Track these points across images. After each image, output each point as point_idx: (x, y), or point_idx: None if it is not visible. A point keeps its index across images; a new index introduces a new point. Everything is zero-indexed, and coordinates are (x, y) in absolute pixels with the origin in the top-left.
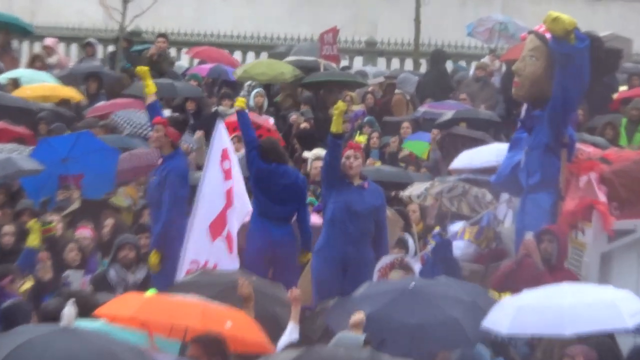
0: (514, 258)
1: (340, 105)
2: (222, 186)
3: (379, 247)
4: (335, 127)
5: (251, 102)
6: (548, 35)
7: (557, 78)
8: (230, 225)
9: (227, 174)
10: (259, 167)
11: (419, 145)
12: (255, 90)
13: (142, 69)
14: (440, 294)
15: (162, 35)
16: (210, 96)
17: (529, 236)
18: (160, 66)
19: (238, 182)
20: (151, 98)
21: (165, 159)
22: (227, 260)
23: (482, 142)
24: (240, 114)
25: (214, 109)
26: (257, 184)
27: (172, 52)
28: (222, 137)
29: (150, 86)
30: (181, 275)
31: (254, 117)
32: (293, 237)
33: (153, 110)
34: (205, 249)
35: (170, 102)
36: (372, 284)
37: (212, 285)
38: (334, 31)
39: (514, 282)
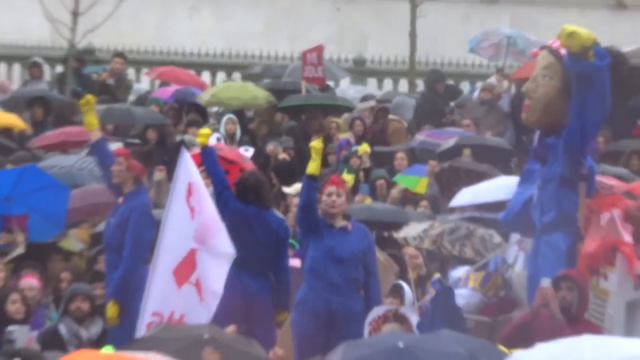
0: (528, 308)
1: (316, 144)
2: (189, 226)
3: (370, 296)
4: (311, 168)
5: (221, 130)
6: (563, 51)
7: (573, 101)
8: (201, 270)
9: (194, 212)
10: (235, 208)
11: (414, 180)
12: (225, 117)
13: (86, 101)
14: (432, 351)
15: (119, 54)
16: (176, 123)
17: (546, 283)
18: (116, 92)
19: (213, 219)
20: (95, 135)
21: (127, 196)
22: (197, 309)
23: (487, 176)
24: (205, 151)
25: (179, 138)
26: (231, 229)
27: (131, 73)
28: (188, 170)
29: (91, 121)
30: (142, 329)
31: (225, 151)
32: (271, 290)
33: (98, 150)
34: (170, 298)
35: (128, 131)
36: (353, 343)
37: (175, 341)
38: (319, 50)
39: (528, 336)
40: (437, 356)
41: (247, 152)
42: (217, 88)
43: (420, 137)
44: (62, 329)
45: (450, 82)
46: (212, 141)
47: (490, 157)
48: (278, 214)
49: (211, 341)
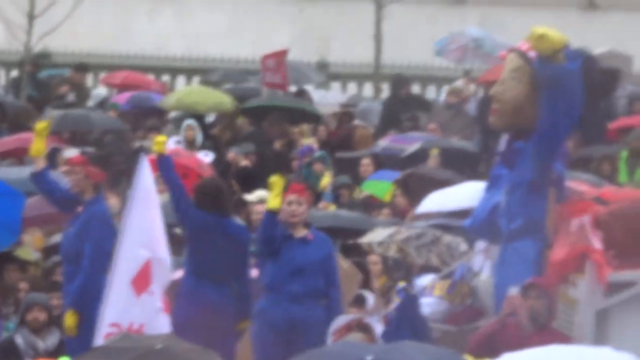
0: (495, 317)
1: (276, 180)
2: (147, 233)
3: (331, 306)
4: (271, 203)
5: (180, 137)
6: (532, 54)
7: (544, 104)
8: (156, 279)
9: (152, 220)
10: (194, 217)
11: (381, 186)
12: (185, 123)
13: (42, 128)
14: None
15: (81, 66)
16: (134, 129)
17: (514, 292)
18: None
19: (160, 229)
20: (39, 164)
21: (86, 205)
22: (157, 318)
23: (451, 183)
24: (161, 159)
25: (138, 144)
26: (191, 238)
27: (88, 77)
28: (146, 177)
29: (39, 149)
30: (99, 340)
31: (182, 157)
32: (232, 300)
33: (42, 181)
34: (128, 308)
35: (86, 137)
36: (315, 353)
37: (125, 351)
38: (279, 56)
39: (496, 346)
40: None
41: (207, 157)
42: (181, 92)
43: (383, 142)
44: (19, 339)
45: (417, 85)
46: (170, 145)
47: (457, 161)
48: (239, 221)
49: (164, 351)
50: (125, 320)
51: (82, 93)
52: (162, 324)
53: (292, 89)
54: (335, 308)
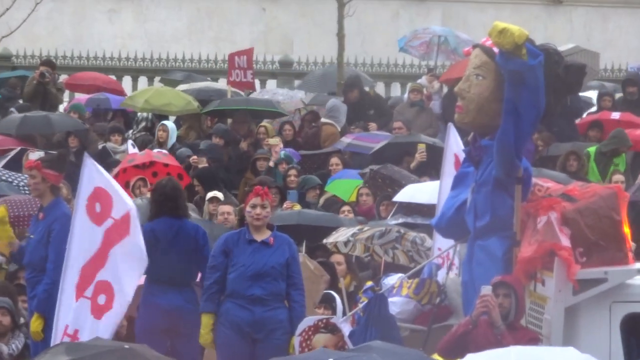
0: (467, 317)
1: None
2: (90, 234)
3: (293, 307)
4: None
5: (171, 139)
6: (496, 50)
7: (506, 100)
8: (111, 278)
9: (98, 218)
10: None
11: (344, 185)
12: (160, 123)
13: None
14: None
15: (47, 62)
16: (100, 130)
17: (487, 290)
18: (54, 98)
19: (126, 219)
20: (14, 246)
21: (46, 210)
22: (90, 325)
23: (400, 185)
24: None
25: (100, 145)
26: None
27: None
28: (92, 176)
29: (8, 234)
30: (57, 342)
31: (138, 159)
32: (194, 303)
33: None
34: (69, 311)
35: (50, 139)
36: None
37: (94, 347)
38: (249, 53)
39: (468, 346)
40: None
41: (134, 148)
42: (147, 93)
43: (347, 139)
44: None
45: (381, 83)
46: (130, 149)
47: (428, 157)
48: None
49: (131, 351)
50: (71, 324)
51: (56, 85)
52: (97, 331)
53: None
54: (297, 310)
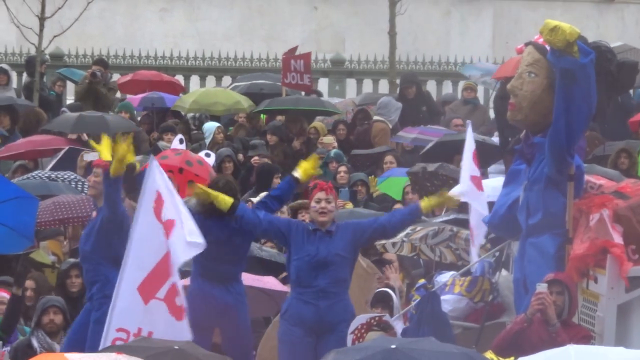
0: (522, 315)
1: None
2: (157, 238)
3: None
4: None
5: (207, 140)
6: (548, 47)
7: (557, 97)
8: (172, 283)
9: (167, 224)
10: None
11: (395, 184)
12: (214, 126)
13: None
14: (426, 350)
15: (99, 61)
16: (149, 130)
17: (542, 288)
18: (106, 98)
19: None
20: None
21: (99, 210)
22: (166, 324)
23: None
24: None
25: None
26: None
27: None
28: (155, 178)
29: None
30: (106, 343)
31: (171, 158)
32: (242, 298)
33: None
34: (136, 315)
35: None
36: (342, 350)
37: (144, 349)
38: (307, 58)
39: (522, 344)
40: (432, 354)
41: (209, 157)
42: (196, 94)
43: (412, 134)
44: (35, 342)
45: (432, 81)
46: (176, 144)
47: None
48: None
49: (181, 352)
50: (133, 326)
51: (109, 84)
52: (176, 330)
53: None
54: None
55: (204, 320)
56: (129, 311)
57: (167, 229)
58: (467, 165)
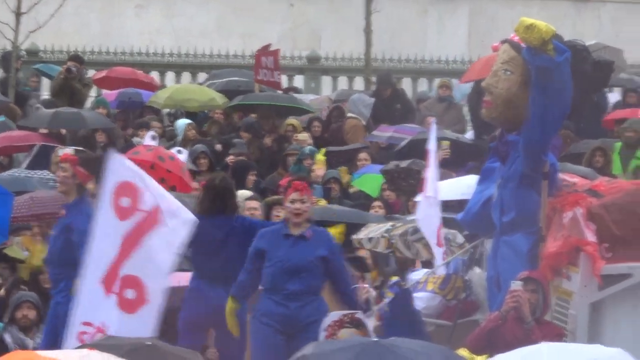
0: (496, 312)
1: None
2: (115, 230)
3: (344, 298)
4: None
5: (179, 137)
6: (524, 45)
7: (533, 95)
8: (136, 273)
9: (125, 212)
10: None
11: (370, 180)
12: (185, 123)
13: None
14: (407, 347)
15: (75, 57)
16: (124, 127)
17: (517, 285)
18: (80, 94)
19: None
20: None
21: (69, 207)
22: (118, 319)
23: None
24: None
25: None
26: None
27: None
28: (118, 171)
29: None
30: (71, 339)
31: (142, 154)
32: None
33: None
34: (98, 308)
35: (76, 134)
36: (322, 342)
37: (116, 347)
38: (275, 55)
39: (496, 341)
40: (412, 352)
41: (181, 154)
42: (171, 90)
43: (387, 133)
44: (8, 337)
45: (408, 79)
46: (147, 140)
47: (453, 153)
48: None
49: (153, 348)
50: (96, 320)
51: (84, 80)
52: (126, 326)
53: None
54: (349, 297)
55: (199, 320)
56: (92, 305)
57: (154, 217)
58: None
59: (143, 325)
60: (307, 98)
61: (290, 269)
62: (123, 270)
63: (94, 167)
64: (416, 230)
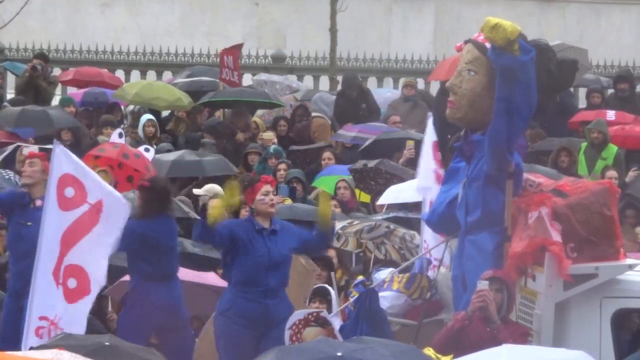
0: (462, 312)
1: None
2: (60, 220)
3: (316, 240)
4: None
5: (140, 132)
6: (488, 45)
7: (498, 95)
8: (82, 262)
9: (69, 204)
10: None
11: (331, 181)
12: (144, 119)
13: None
14: None
15: (40, 55)
16: (89, 125)
17: (484, 285)
18: (46, 92)
19: (99, 206)
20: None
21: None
22: (64, 310)
23: (400, 179)
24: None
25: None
26: (123, 239)
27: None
28: (61, 163)
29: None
30: (30, 335)
31: (108, 151)
32: (179, 297)
33: None
34: (51, 301)
35: (44, 132)
36: (286, 349)
37: (77, 348)
38: (235, 54)
39: (463, 341)
40: None
41: (148, 152)
42: (138, 86)
43: (352, 132)
44: None
45: (373, 78)
46: (114, 137)
47: (417, 153)
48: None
49: (113, 348)
50: (50, 313)
51: (49, 78)
52: (69, 316)
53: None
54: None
55: (139, 319)
56: (46, 298)
57: (98, 209)
58: (428, 159)
59: (79, 316)
60: (276, 80)
61: (270, 264)
62: (66, 259)
63: None
64: (372, 229)
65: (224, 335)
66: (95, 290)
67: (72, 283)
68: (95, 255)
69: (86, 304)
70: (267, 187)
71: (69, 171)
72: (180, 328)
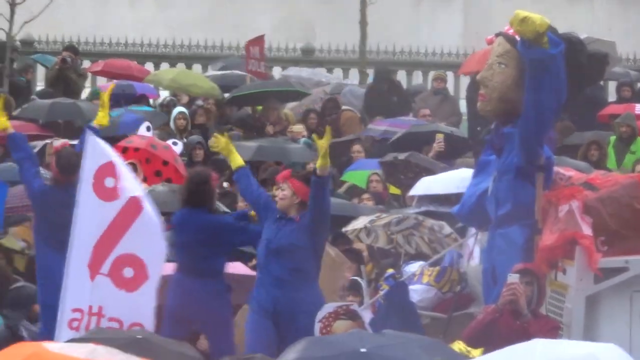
0: (493, 305)
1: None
2: (100, 210)
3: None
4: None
5: (171, 125)
6: (518, 38)
7: (527, 88)
8: (133, 251)
9: (110, 194)
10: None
11: (360, 176)
12: (177, 111)
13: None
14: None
15: (70, 47)
16: None
17: (514, 278)
18: (76, 84)
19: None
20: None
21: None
22: (116, 299)
23: (430, 172)
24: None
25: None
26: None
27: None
28: (95, 152)
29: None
30: (62, 327)
31: (136, 142)
32: (219, 293)
33: (13, 144)
34: (85, 292)
35: (72, 126)
36: (314, 340)
37: (108, 341)
38: (260, 43)
39: (493, 335)
40: None
41: (176, 145)
42: (174, 72)
43: (381, 126)
44: (24, 332)
45: (402, 71)
46: (142, 130)
47: (447, 146)
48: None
49: (144, 341)
50: (84, 304)
51: (79, 70)
52: (124, 304)
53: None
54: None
55: (177, 312)
56: (79, 289)
57: (139, 200)
58: None
59: (145, 301)
60: (304, 73)
61: (270, 250)
62: (115, 250)
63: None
64: (400, 221)
65: (246, 325)
66: (154, 275)
67: (128, 272)
68: (148, 240)
69: (149, 288)
70: (279, 183)
71: (110, 160)
72: (217, 324)
